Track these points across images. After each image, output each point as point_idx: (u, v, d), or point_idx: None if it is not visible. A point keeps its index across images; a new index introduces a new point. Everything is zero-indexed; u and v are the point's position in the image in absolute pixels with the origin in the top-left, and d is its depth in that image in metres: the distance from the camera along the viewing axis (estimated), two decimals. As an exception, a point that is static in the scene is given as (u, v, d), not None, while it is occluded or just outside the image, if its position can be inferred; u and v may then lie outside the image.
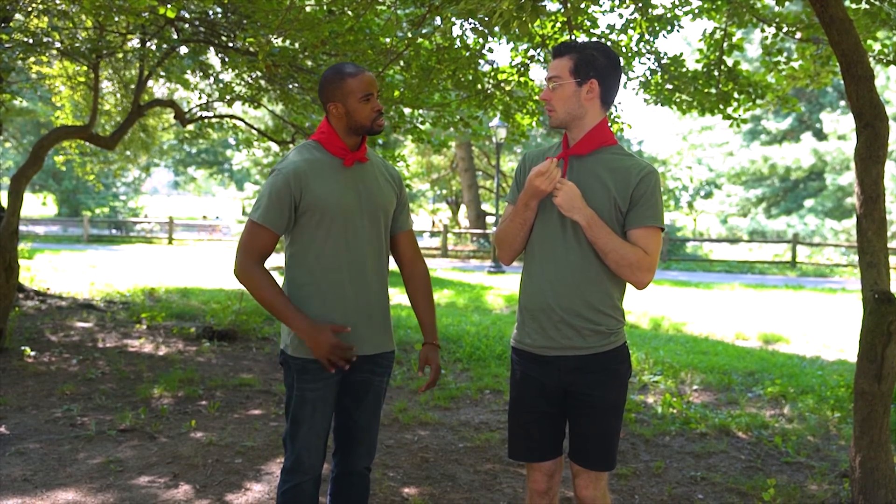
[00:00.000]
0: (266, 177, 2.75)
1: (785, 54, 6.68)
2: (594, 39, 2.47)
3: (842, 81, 3.67)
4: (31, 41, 6.27)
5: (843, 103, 29.80)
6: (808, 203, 30.52)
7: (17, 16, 7.32)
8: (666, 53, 7.04)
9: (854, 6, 5.27)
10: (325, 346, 2.49)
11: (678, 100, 7.19)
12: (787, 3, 5.38)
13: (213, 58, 9.64)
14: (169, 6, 4.95)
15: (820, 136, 30.85)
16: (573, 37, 6.58)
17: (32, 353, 6.74)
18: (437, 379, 2.81)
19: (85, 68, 8.86)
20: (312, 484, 2.65)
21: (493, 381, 6.36)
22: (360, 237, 2.61)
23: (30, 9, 6.66)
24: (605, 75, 2.45)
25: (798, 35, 6.22)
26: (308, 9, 5.59)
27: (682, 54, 7.06)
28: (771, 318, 11.49)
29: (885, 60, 6.21)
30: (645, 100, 7.37)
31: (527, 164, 2.61)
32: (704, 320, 11.19)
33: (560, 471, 2.64)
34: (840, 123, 29.01)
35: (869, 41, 5.98)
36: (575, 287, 2.44)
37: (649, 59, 7.11)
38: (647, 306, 12.39)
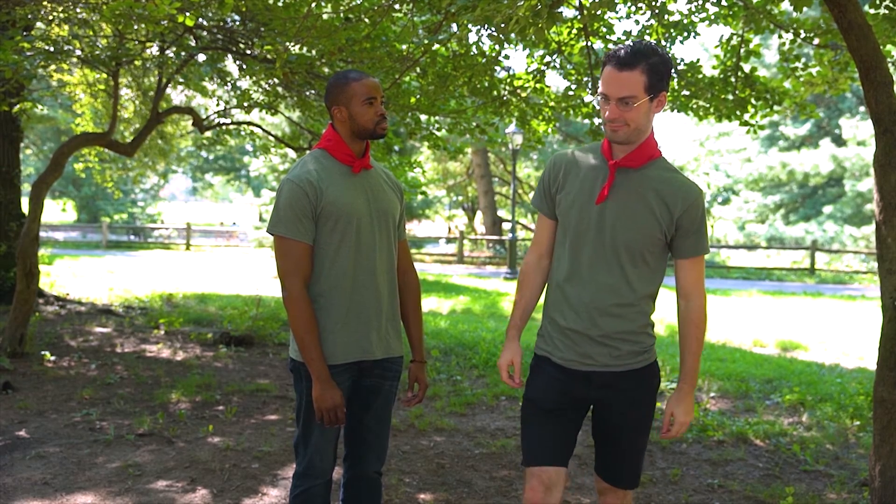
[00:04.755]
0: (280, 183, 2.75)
1: (803, 60, 6.64)
2: (648, 41, 2.41)
3: (861, 87, 3.65)
4: (52, 49, 6.34)
5: (862, 109, 29.57)
6: (827, 209, 30.27)
7: (39, 24, 7.41)
8: (683, 59, 7.02)
9: (873, 11, 5.24)
10: (330, 403, 2.52)
11: (695, 106, 7.16)
12: (804, 9, 5.35)
13: (230, 65, 9.72)
14: (188, 14, 4.99)
15: (839, 141, 30.61)
16: (589, 43, 6.57)
17: (52, 358, 6.80)
18: (424, 397, 2.85)
19: (105, 76, 8.95)
20: (324, 488, 2.67)
21: (509, 387, 6.34)
22: (370, 242, 2.63)
23: (51, 17, 6.74)
24: (668, 85, 2.35)
25: (816, 41, 6.18)
26: (325, 16, 5.62)
27: (698, 60, 7.03)
28: (789, 326, 11.40)
29: (904, 66, 6.17)
30: (661, 106, 7.35)
31: (557, 169, 2.48)
32: (722, 327, 11.12)
33: (560, 488, 2.46)
34: (859, 129, 28.77)
35: (888, 46, 5.94)
36: (615, 311, 2.37)
37: (666, 65, 7.08)
38: (663, 313, 12.32)
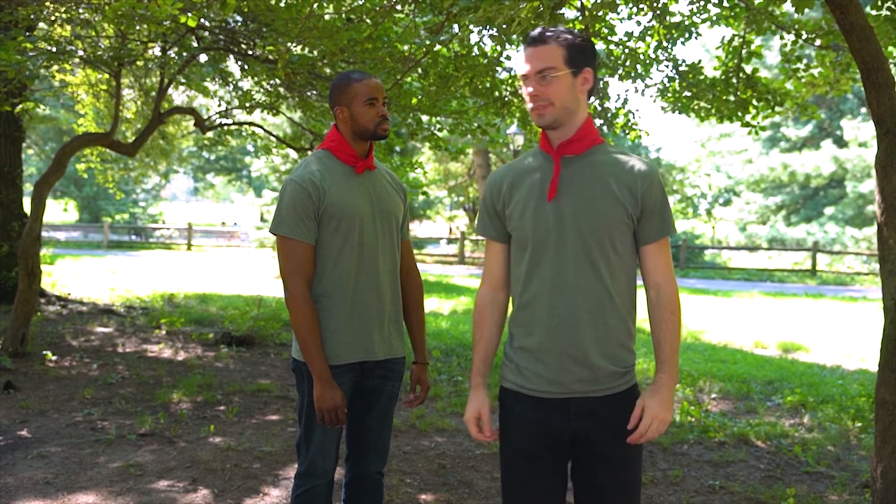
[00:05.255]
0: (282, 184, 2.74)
1: (804, 61, 6.65)
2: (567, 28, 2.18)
3: (862, 88, 3.65)
4: (54, 49, 6.35)
5: (863, 110, 29.56)
6: (829, 211, 30.27)
7: (42, 25, 7.42)
8: (684, 61, 7.02)
9: (875, 13, 5.23)
10: (331, 403, 2.52)
11: (696, 107, 7.16)
12: (806, 10, 5.35)
13: (232, 65, 9.73)
14: (190, 15, 5.00)
15: (840, 143, 30.61)
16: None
17: (54, 358, 6.81)
18: (426, 397, 2.84)
19: (107, 76, 8.96)
20: (326, 488, 2.67)
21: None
22: (373, 243, 2.63)
23: (53, 18, 6.75)
24: (594, 65, 2.16)
25: (818, 42, 6.18)
26: (327, 17, 5.63)
27: (700, 61, 7.04)
28: (790, 327, 11.40)
29: (906, 67, 6.16)
30: (663, 107, 7.36)
31: (499, 185, 2.23)
32: (723, 328, 11.11)
33: None
34: (861, 130, 28.76)
35: (890, 48, 5.94)
36: (591, 323, 2.09)
37: (667, 66, 7.09)
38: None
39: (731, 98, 6.86)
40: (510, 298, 2.27)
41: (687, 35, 6.81)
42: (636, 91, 7.36)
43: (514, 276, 2.21)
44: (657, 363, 2.14)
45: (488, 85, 6.79)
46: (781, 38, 6.43)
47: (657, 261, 2.15)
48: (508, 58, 6.82)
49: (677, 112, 7.37)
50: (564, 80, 2.08)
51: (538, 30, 2.12)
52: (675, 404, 6.02)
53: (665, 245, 2.16)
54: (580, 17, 6.24)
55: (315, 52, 6.16)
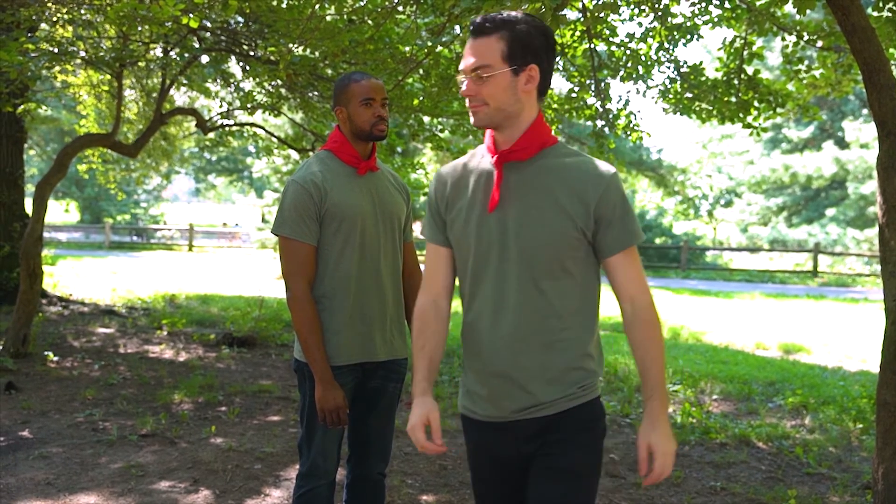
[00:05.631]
0: (284, 185, 2.75)
1: (806, 63, 6.65)
2: (523, 13, 1.91)
3: (864, 90, 3.65)
4: (56, 50, 6.35)
5: (865, 111, 29.55)
6: (830, 212, 30.24)
7: (43, 25, 7.43)
8: (686, 62, 7.03)
9: (876, 14, 5.23)
10: (332, 404, 2.53)
11: (698, 108, 7.17)
12: (808, 11, 5.36)
13: (234, 66, 9.74)
14: (192, 16, 5.00)
15: (842, 144, 30.59)
16: (592, 45, 6.57)
17: (55, 359, 6.81)
18: None
19: (109, 77, 8.97)
20: (327, 488, 2.68)
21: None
22: (375, 244, 2.64)
23: (55, 19, 6.76)
24: (543, 59, 1.90)
25: (819, 43, 6.18)
26: (329, 18, 5.63)
27: (701, 63, 7.04)
28: (792, 328, 11.39)
29: (907, 69, 6.16)
30: (664, 109, 7.36)
31: (443, 185, 2.04)
32: (724, 329, 11.11)
33: None
34: (862, 132, 28.74)
35: (891, 49, 5.94)
36: (537, 347, 1.90)
37: (669, 67, 7.10)
38: (666, 315, 12.33)
39: (733, 99, 6.86)
40: (451, 306, 2.12)
41: (688, 36, 6.81)
42: (637, 92, 7.38)
43: (460, 289, 2.05)
44: (645, 389, 1.92)
45: (490, 86, 6.78)
46: (783, 39, 6.43)
47: (625, 273, 1.92)
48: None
49: (679, 113, 7.37)
50: (501, 80, 1.86)
51: (481, 18, 1.88)
52: (677, 405, 6.01)
53: (632, 255, 1.92)
54: (582, 19, 6.25)
55: (317, 53, 6.16)
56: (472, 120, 1.92)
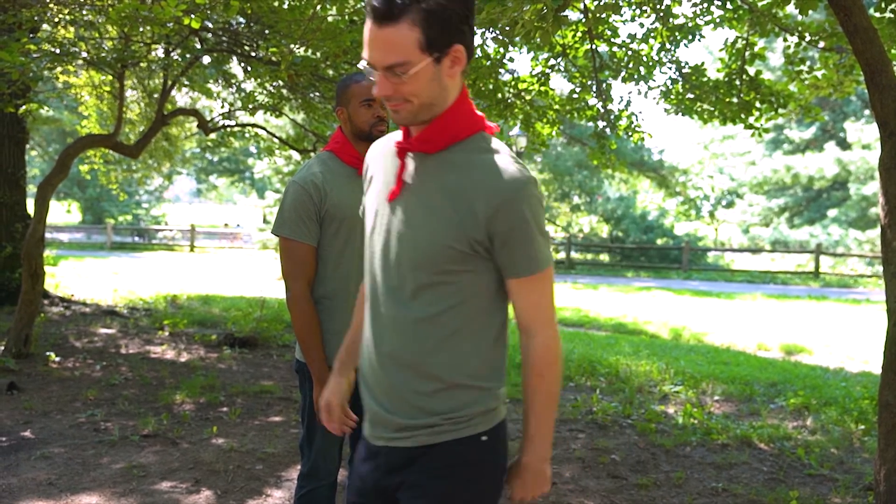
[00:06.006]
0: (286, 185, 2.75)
1: (808, 63, 6.65)
2: None
3: (866, 90, 3.65)
4: (58, 51, 6.36)
5: (867, 112, 29.52)
6: (832, 213, 30.24)
7: (45, 26, 7.44)
8: (687, 63, 7.03)
9: (878, 15, 5.23)
10: None
11: (699, 109, 7.17)
12: (809, 12, 5.36)
13: (235, 67, 9.75)
14: (193, 17, 5.01)
15: (844, 145, 30.58)
16: (594, 46, 6.57)
17: (57, 359, 6.82)
18: None
19: (110, 78, 8.98)
20: (329, 489, 2.68)
21: (513, 389, 6.34)
22: None
23: (57, 19, 6.76)
24: (466, 30, 1.57)
25: (821, 44, 6.19)
26: (330, 19, 5.64)
27: (703, 64, 7.05)
28: (793, 329, 11.38)
29: (909, 69, 6.15)
30: (666, 109, 7.37)
31: (365, 166, 1.84)
32: (726, 330, 11.10)
33: None
34: (864, 132, 28.74)
35: (893, 50, 5.94)
36: (413, 360, 1.63)
37: (670, 68, 7.10)
38: (667, 316, 12.32)
39: (735, 100, 6.86)
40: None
41: (690, 37, 6.82)
42: (639, 93, 7.39)
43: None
44: (523, 438, 1.69)
45: (491, 87, 6.80)
46: (785, 40, 6.43)
47: (523, 300, 1.63)
48: (511, 59, 6.83)
49: (680, 114, 7.38)
50: (423, 74, 1.54)
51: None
52: (678, 407, 6.01)
53: (532, 283, 1.61)
54: (583, 19, 6.25)
55: (318, 54, 6.17)
56: (394, 117, 1.62)
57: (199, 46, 7.79)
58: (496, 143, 1.65)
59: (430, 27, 1.50)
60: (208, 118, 10.50)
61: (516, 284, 1.62)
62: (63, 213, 39.52)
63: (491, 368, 1.66)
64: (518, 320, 1.65)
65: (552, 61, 7.08)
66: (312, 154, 9.97)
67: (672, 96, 7.18)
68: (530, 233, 1.57)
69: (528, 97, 7.24)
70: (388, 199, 1.67)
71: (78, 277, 14.98)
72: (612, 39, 6.77)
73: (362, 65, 1.60)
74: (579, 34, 6.75)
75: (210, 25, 7.47)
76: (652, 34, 6.83)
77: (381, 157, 1.76)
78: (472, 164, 1.60)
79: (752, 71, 6.89)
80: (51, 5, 6.27)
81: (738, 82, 6.80)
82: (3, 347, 6.82)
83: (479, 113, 1.67)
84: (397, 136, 1.71)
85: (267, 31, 6.63)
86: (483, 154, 1.61)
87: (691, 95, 7.06)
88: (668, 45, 6.87)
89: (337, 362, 1.98)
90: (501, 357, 1.69)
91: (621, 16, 6.65)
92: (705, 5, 6.51)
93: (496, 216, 1.55)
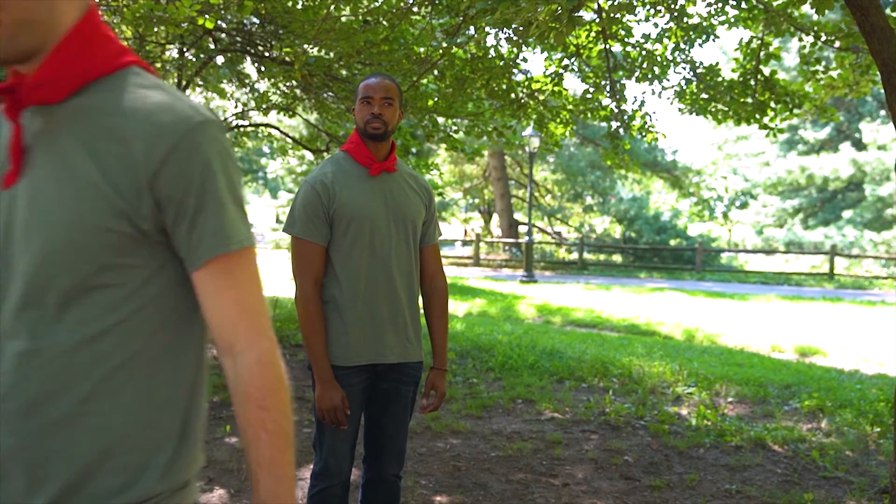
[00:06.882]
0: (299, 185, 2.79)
1: (823, 63, 6.61)
2: None
3: (882, 90, 3.62)
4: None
5: (883, 112, 29.31)
6: (847, 214, 30.03)
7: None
8: (701, 63, 7.01)
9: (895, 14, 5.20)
10: (329, 403, 2.55)
11: (714, 109, 7.14)
12: (825, 12, 5.32)
13: (249, 67, 9.78)
14: (208, 17, 5.04)
15: (859, 145, 30.37)
16: (607, 46, 6.56)
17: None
18: (440, 405, 2.83)
19: (125, 78, 9.01)
20: (341, 488, 2.68)
21: (526, 390, 6.34)
22: (386, 246, 2.63)
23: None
24: None
25: (837, 44, 6.14)
26: (344, 19, 5.65)
27: (717, 63, 7.01)
28: (808, 331, 11.31)
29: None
30: (680, 109, 7.34)
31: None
32: (739, 332, 11.04)
33: None
34: (880, 133, 28.51)
35: (910, 50, 5.89)
36: (52, 409, 1.07)
37: (684, 68, 7.08)
38: (680, 317, 12.28)
39: (749, 100, 6.83)
40: None
41: (704, 37, 6.80)
42: (653, 93, 7.35)
43: None
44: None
45: (504, 87, 6.80)
46: (800, 39, 6.39)
47: (216, 301, 1.16)
48: (525, 60, 6.83)
49: (694, 114, 7.36)
50: None
51: None
52: (692, 408, 5.99)
53: (230, 271, 1.14)
54: (597, 20, 6.24)
55: (332, 54, 6.19)
56: None
57: (212, 46, 7.83)
58: (155, 79, 1.14)
59: None
60: (222, 118, 10.55)
61: (203, 277, 1.12)
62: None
63: (176, 429, 1.21)
64: (215, 335, 1.21)
65: (566, 61, 7.07)
66: (325, 154, 10.00)
67: (686, 96, 7.15)
68: (217, 195, 1.09)
69: (541, 97, 7.23)
70: (3, 185, 1.10)
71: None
72: (627, 39, 6.75)
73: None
74: (593, 34, 6.74)
75: (224, 25, 7.50)
76: (666, 34, 6.81)
77: None
78: (124, 108, 1.07)
79: (766, 71, 6.85)
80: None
81: (752, 82, 6.77)
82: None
83: (123, 44, 1.16)
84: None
85: (281, 32, 6.65)
86: (138, 91, 1.09)
87: (705, 95, 7.03)
88: (682, 45, 6.85)
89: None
90: (195, 409, 1.22)
91: (635, 16, 6.64)
92: (720, 5, 6.49)
93: (162, 171, 1.05)
